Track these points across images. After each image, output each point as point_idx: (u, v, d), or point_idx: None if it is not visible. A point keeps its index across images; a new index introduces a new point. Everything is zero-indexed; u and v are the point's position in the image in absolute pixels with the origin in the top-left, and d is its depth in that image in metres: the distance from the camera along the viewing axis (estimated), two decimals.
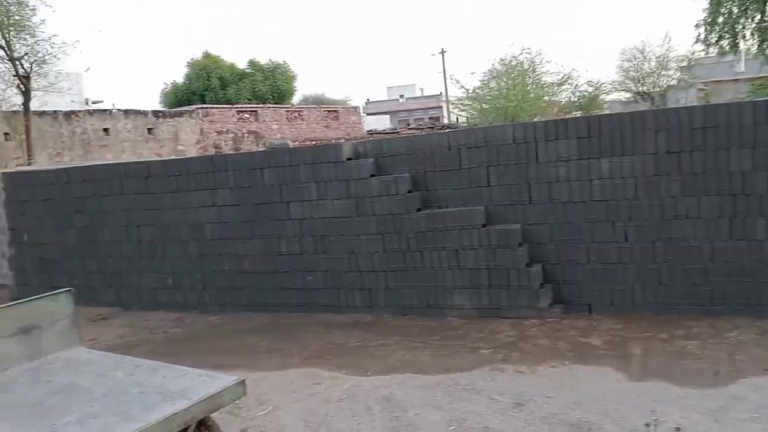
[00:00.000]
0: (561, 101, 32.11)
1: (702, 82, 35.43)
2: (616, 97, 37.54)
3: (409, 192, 6.70)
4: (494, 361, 5.24)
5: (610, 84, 35.29)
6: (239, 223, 7.51)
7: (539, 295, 6.26)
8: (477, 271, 6.42)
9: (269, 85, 32.28)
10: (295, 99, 36.16)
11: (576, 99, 33.02)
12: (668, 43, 35.49)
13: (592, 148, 6.07)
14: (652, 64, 35.84)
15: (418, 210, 6.67)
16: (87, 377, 3.38)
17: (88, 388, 3.23)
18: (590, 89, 32.97)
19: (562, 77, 29.90)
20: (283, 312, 7.29)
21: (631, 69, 36.62)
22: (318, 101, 41.33)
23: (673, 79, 35.43)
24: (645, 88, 36.18)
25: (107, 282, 8.43)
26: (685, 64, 32.93)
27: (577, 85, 31.53)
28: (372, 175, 6.82)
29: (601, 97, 34.33)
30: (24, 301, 3.82)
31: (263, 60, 33.54)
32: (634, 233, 6.06)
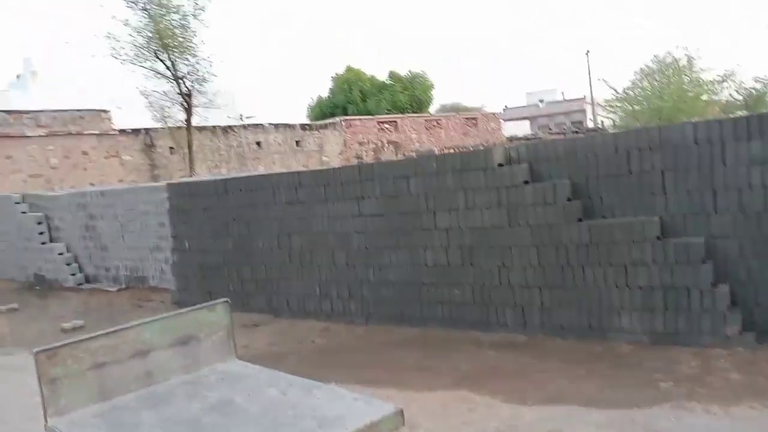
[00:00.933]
0: (722, 100, 29.04)
1: None
2: None
3: (569, 200, 6.11)
4: (677, 397, 4.54)
5: None
6: (384, 233, 7.35)
7: (726, 320, 5.38)
8: (650, 290, 5.67)
9: (408, 95, 32.56)
10: (433, 108, 36.18)
11: (741, 97, 29.67)
12: None
13: None
14: None
15: (579, 220, 6.06)
16: (242, 394, 3.27)
17: (243, 406, 3.10)
18: (757, 86, 29.50)
19: (724, 73, 27.05)
20: (428, 326, 7.00)
21: None
22: (454, 109, 41.05)
23: None
24: None
25: (259, 289, 8.67)
26: None
27: (741, 81, 28.35)
28: (526, 182, 6.32)
29: None
30: (182, 312, 3.82)
31: (402, 71, 33.94)
32: None
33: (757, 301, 5.45)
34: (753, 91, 29.46)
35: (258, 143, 22.58)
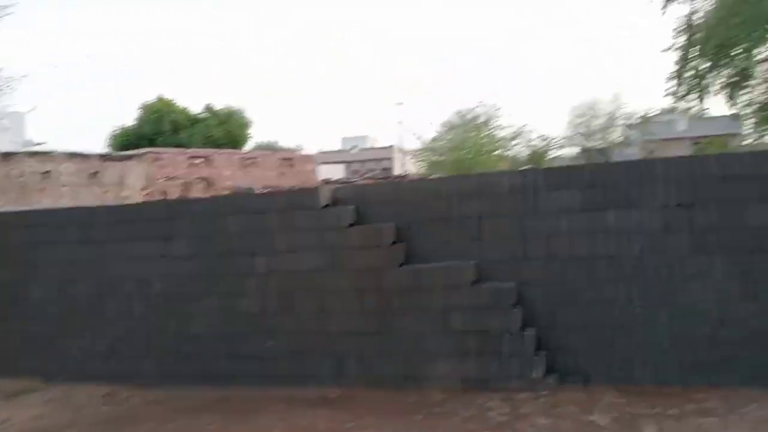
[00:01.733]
0: (511, 155, 32.37)
1: (647, 141, 36.54)
2: (567, 153, 38.31)
3: (393, 243, 5.99)
4: None
5: (561, 139, 35.99)
6: (193, 278, 6.62)
7: (533, 364, 5.57)
8: (464, 334, 5.70)
9: (223, 131, 31.45)
10: (249, 146, 35.38)
11: (527, 153, 33.34)
12: (618, 101, 36.72)
13: (598, 199, 5.55)
14: (601, 120, 37.05)
15: (401, 265, 5.95)
16: None
17: None
18: (541, 144, 33.46)
19: (515, 131, 30.27)
20: (237, 384, 6.30)
21: (581, 125, 37.69)
22: (270, 148, 40.65)
23: (620, 136, 36.56)
24: (593, 144, 37.15)
25: (30, 348, 7.27)
26: (636, 120, 33.84)
27: (529, 139, 31.94)
28: (351, 224, 6.10)
29: (551, 152, 34.83)
30: None
31: (219, 105, 32.80)
32: (638, 295, 5.50)
33: (559, 345, 5.72)
34: (536, 148, 33.28)
35: (46, 173, 19.93)
